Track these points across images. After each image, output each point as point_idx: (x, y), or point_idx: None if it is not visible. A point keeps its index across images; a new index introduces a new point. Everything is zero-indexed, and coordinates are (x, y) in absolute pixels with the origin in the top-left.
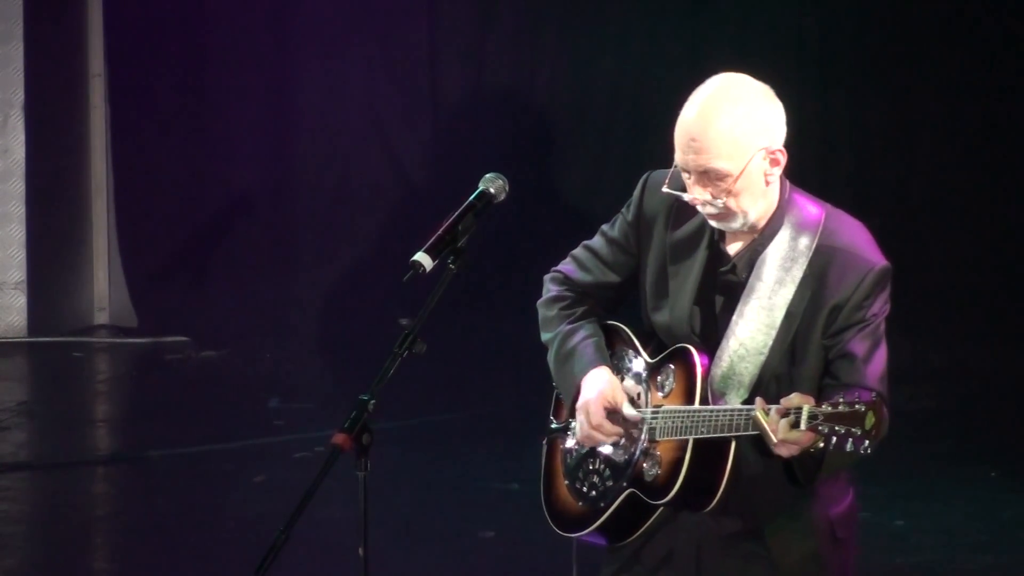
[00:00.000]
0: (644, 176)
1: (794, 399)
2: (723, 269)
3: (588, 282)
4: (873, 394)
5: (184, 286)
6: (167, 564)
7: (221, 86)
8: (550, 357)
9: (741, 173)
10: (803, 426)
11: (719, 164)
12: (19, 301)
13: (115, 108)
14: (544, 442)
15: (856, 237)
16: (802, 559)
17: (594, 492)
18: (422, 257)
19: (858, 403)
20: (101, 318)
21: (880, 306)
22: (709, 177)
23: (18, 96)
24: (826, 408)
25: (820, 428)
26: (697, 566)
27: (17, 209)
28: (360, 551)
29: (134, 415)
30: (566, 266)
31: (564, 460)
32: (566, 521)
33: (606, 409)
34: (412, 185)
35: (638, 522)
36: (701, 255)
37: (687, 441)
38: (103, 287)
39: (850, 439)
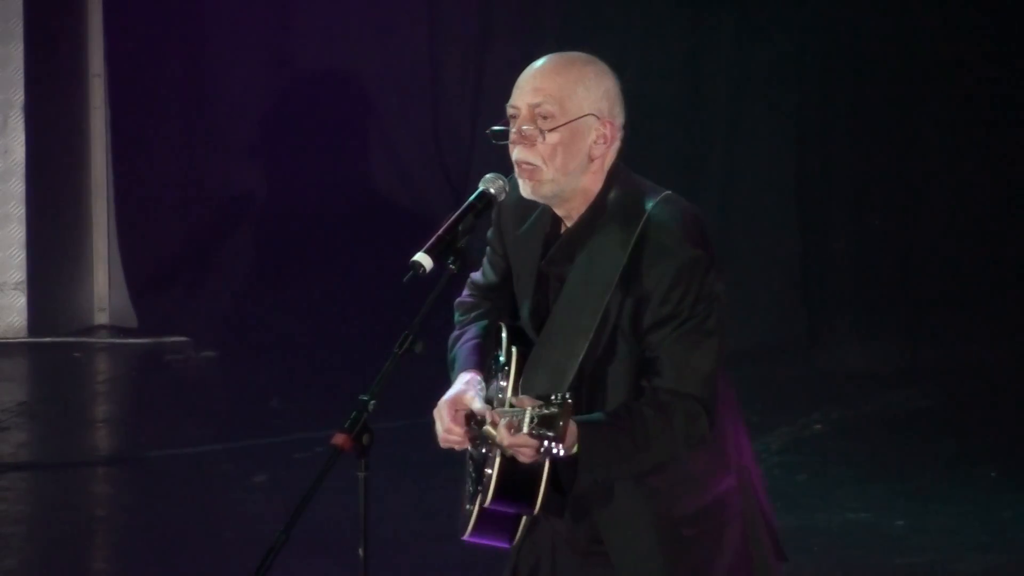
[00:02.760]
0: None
1: (524, 401)
2: (542, 262)
3: (483, 284)
4: (568, 395)
5: (184, 286)
6: (167, 564)
7: (221, 86)
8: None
9: (569, 122)
10: (525, 429)
11: (551, 106)
12: (19, 301)
13: (115, 108)
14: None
15: (672, 227)
16: (641, 558)
17: (469, 495)
18: (422, 257)
19: (554, 404)
20: (101, 318)
21: (693, 300)
22: (535, 115)
23: (18, 96)
24: (538, 411)
25: (533, 432)
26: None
27: (17, 209)
28: (360, 551)
29: (134, 415)
30: (476, 270)
31: (467, 462)
32: (461, 524)
33: (458, 411)
34: (413, 185)
35: (508, 523)
36: (538, 247)
37: None
38: (103, 287)
39: (552, 444)
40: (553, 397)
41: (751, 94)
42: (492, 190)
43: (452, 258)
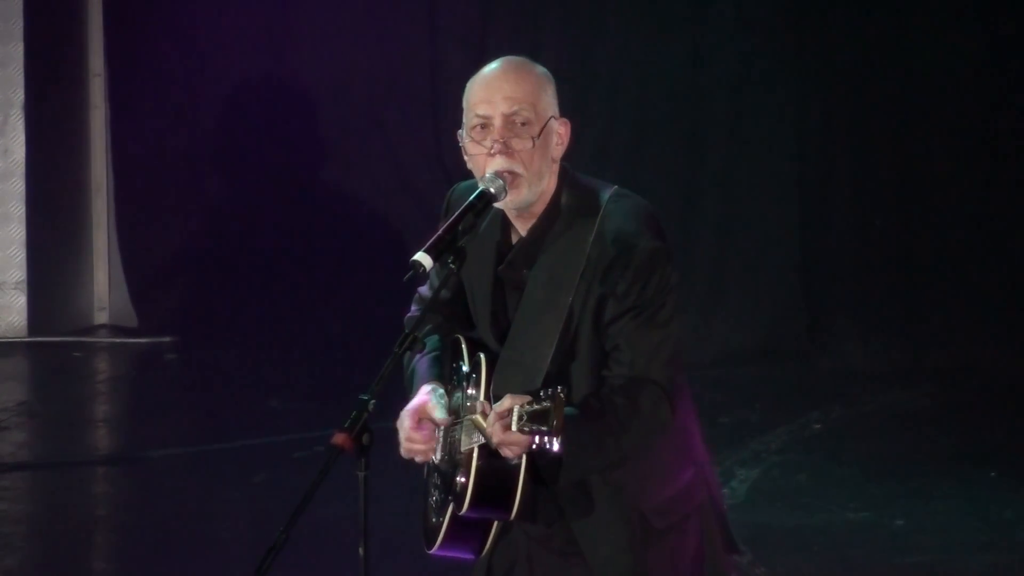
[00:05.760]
0: (449, 190)
1: (506, 401)
2: (500, 268)
3: (432, 298)
4: (560, 388)
5: (184, 286)
6: (167, 564)
7: (221, 86)
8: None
9: (544, 127)
10: (514, 427)
11: (528, 113)
12: (19, 301)
13: (115, 108)
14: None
15: (630, 221)
16: (613, 552)
17: (435, 506)
18: (422, 257)
19: (544, 398)
20: (101, 318)
21: (654, 290)
22: (514, 124)
23: (18, 96)
24: (527, 407)
25: (524, 429)
26: None
27: (17, 209)
28: (360, 551)
29: (134, 415)
30: (423, 284)
31: (428, 475)
32: (427, 536)
33: (420, 420)
34: (413, 185)
35: (478, 533)
36: (491, 255)
37: (474, 448)
38: (103, 287)
39: (546, 437)
40: (542, 392)
41: (751, 93)
42: (492, 190)
43: (452, 257)
